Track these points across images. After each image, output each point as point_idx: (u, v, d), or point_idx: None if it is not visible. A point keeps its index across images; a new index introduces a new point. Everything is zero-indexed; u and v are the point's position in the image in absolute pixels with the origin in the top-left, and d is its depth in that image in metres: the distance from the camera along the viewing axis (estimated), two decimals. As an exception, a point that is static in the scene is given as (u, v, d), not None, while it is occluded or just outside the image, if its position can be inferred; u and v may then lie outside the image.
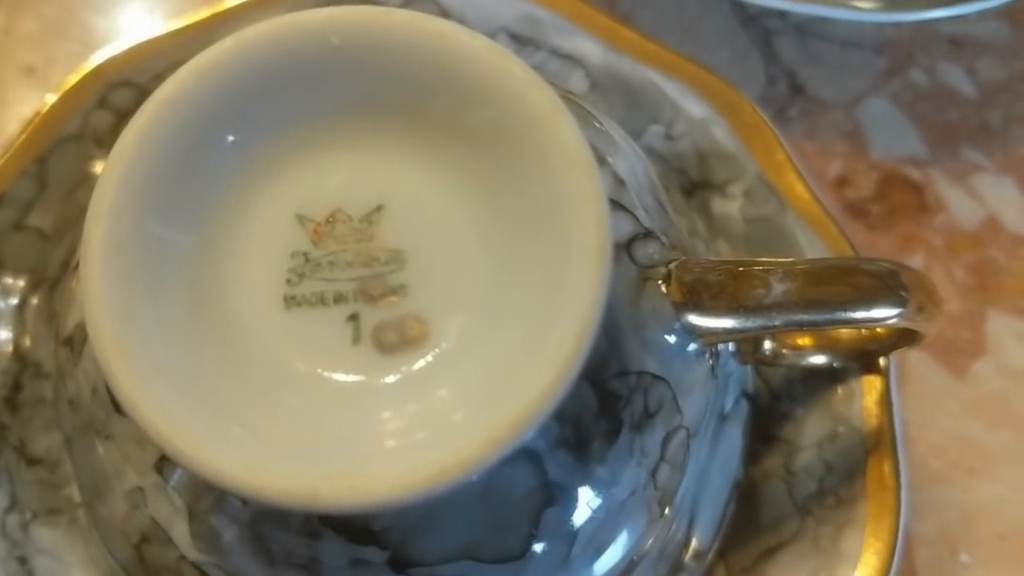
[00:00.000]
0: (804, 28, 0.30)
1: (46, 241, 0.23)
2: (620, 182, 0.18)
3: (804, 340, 0.22)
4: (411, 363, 0.15)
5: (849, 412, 0.22)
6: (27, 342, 0.22)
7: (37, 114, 0.23)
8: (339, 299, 0.15)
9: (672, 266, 0.18)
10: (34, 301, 0.22)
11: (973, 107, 0.30)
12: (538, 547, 0.16)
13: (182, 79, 0.15)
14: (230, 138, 0.15)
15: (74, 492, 0.21)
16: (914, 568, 0.25)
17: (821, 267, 0.19)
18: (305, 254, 0.15)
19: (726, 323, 0.18)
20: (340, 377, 0.15)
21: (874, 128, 0.29)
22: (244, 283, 0.15)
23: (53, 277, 0.23)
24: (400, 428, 0.14)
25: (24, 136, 0.23)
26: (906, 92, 0.30)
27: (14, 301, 0.22)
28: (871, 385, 0.22)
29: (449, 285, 0.15)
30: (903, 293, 0.18)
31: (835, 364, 0.22)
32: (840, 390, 0.22)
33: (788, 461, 0.22)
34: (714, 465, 0.21)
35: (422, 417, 0.14)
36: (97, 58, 0.24)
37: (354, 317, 0.15)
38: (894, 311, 0.18)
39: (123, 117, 0.24)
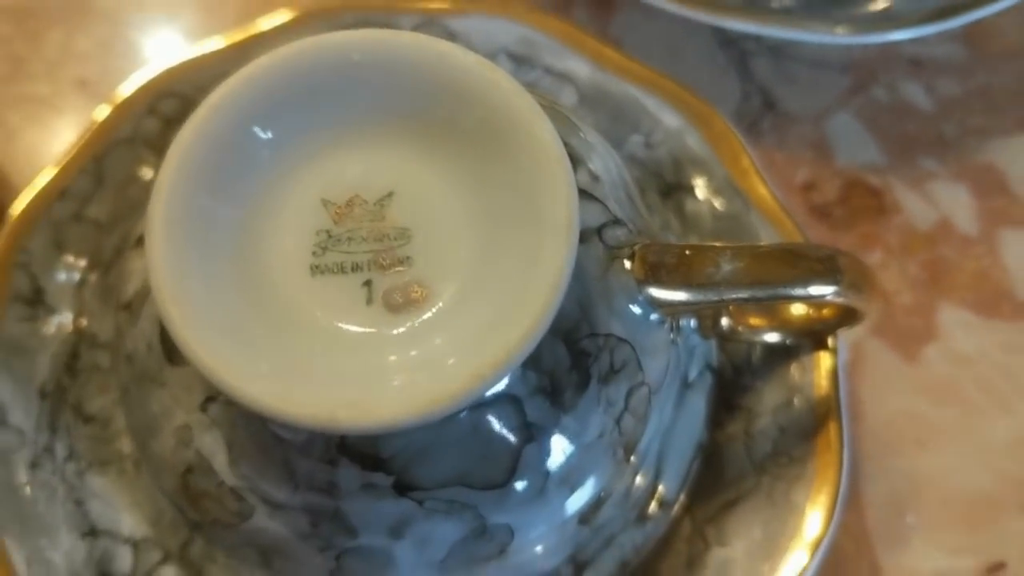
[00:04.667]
0: (777, 50, 0.34)
1: (102, 230, 0.26)
2: (595, 178, 0.22)
3: (758, 320, 0.25)
4: (414, 319, 0.18)
5: (802, 383, 0.25)
6: (85, 317, 0.26)
7: (95, 121, 0.26)
8: (356, 268, 0.18)
9: (636, 247, 0.21)
10: (91, 279, 0.26)
11: (930, 120, 0.33)
12: (519, 477, 0.19)
13: (228, 87, 0.18)
14: (267, 136, 0.19)
15: (123, 446, 0.25)
16: (865, 528, 0.28)
17: (765, 250, 0.22)
18: (328, 231, 0.19)
19: (681, 296, 0.21)
20: (355, 329, 0.18)
21: (839, 139, 0.33)
22: (278, 254, 0.18)
23: (107, 261, 0.26)
24: (404, 369, 0.17)
25: (84, 139, 0.26)
26: (869, 107, 0.33)
27: (76, 277, 0.26)
28: (821, 360, 0.25)
29: (446, 256, 0.18)
30: (838, 273, 0.21)
31: (787, 341, 0.25)
32: (794, 364, 0.25)
33: (748, 426, 0.25)
34: (679, 426, 0.24)
35: (422, 360, 0.17)
36: (147, 72, 0.27)
37: (368, 283, 0.18)
38: (829, 288, 0.21)
39: (170, 123, 0.27)
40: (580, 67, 0.29)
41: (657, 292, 0.21)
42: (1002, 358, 0.30)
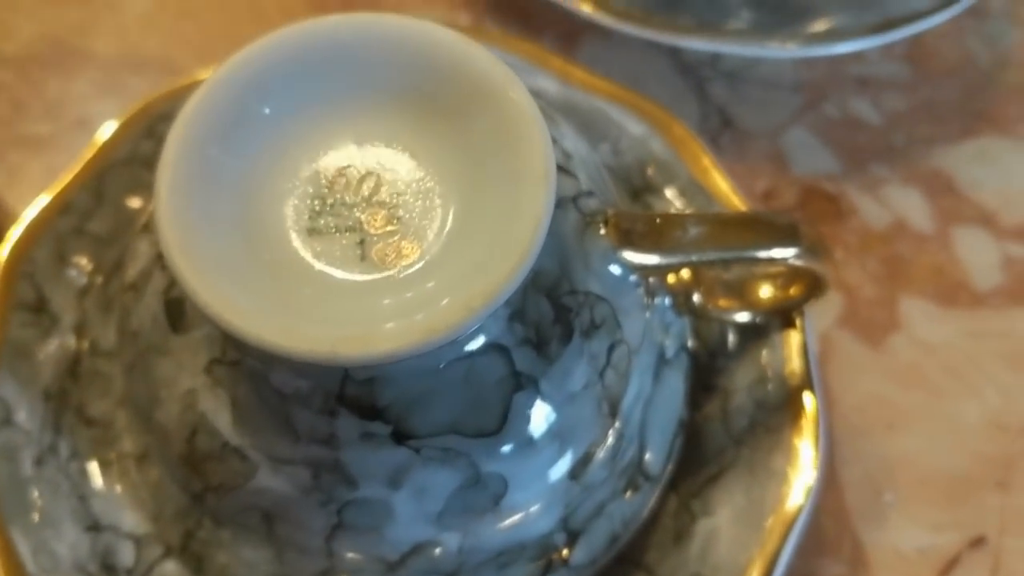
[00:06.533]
0: (732, 75, 0.36)
1: (102, 243, 0.28)
2: (568, 156, 0.23)
3: (727, 301, 0.27)
4: (407, 270, 0.19)
5: (773, 360, 0.27)
6: (86, 325, 0.27)
7: (96, 141, 0.28)
8: (349, 230, 0.20)
9: (610, 215, 0.22)
10: (93, 290, 0.27)
11: (879, 132, 0.35)
12: (509, 425, 0.20)
13: (229, 66, 0.20)
14: (266, 110, 0.20)
15: (124, 446, 0.26)
16: (844, 507, 0.29)
17: (731, 217, 0.23)
18: (322, 198, 0.20)
19: (652, 259, 0.22)
20: (352, 278, 0.19)
21: (794, 152, 0.35)
22: (276, 218, 0.20)
23: (107, 272, 0.27)
24: (400, 309, 0.18)
25: (86, 159, 0.28)
26: (821, 122, 0.35)
27: (78, 287, 0.27)
28: (790, 336, 0.27)
29: (434, 214, 0.20)
30: (799, 238, 0.23)
31: (757, 320, 0.27)
32: (766, 343, 0.27)
33: (725, 404, 0.27)
34: (659, 400, 0.25)
35: (416, 302, 0.19)
36: (145, 97, 0.29)
37: (361, 242, 0.20)
38: (791, 251, 0.23)
39: (166, 145, 0.29)
40: (548, 84, 0.31)
41: (630, 255, 0.22)
42: (964, 344, 0.32)
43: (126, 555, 0.25)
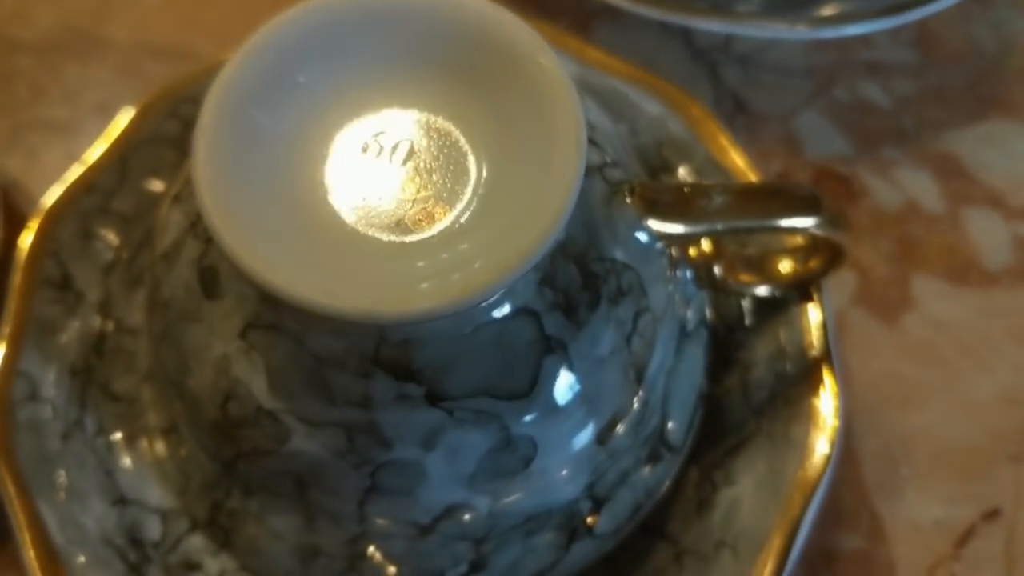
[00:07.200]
0: (745, 59, 0.36)
1: (126, 222, 0.28)
2: (593, 127, 0.24)
3: (748, 276, 0.27)
4: (441, 232, 0.20)
5: (792, 333, 0.27)
6: (111, 303, 0.27)
7: (120, 122, 0.28)
8: (383, 196, 0.20)
9: (636, 185, 0.23)
10: (117, 268, 0.27)
11: (889, 116, 0.36)
12: (539, 388, 0.21)
13: (263, 35, 0.20)
14: (301, 79, 0.20)
15: (150, 421, 0.26)
16: (862, 480, 0.29)
17: (753, 187, 0.24)
18: (357, 165, 0.20)
19: (678, 228, 0.23)
20: (388, 240, 0.19)
21: (807, 135, 0.35)
22: (312, 182, 0.20)
23: (132, 249, 0.27)
24: (436, 270, 0.19)
25: (110, 139, 0.28)
26: (832, 106, 0.36)
27: (102, 265, 0.27)
28: (808, 310, 0.27)
29: (466, 178, 0.20)
30: (819, 208, 0.23)
31: (776, 294, 0.27)
32: (784, 317, 0.27)
33: (744, 376, 0.27)
34: (681, 371, 0.25)
35: (451, 263, 0.19)
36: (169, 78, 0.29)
37: (395, 207, 0.20)
38: (811, 220, 0.23)
39: (189, 126, 0.29)
40: (565, 64, 0.30)
41: (655, 224, 0.22)
42: (976, 322, 0.32)
43: (153, 529, 0.25)
